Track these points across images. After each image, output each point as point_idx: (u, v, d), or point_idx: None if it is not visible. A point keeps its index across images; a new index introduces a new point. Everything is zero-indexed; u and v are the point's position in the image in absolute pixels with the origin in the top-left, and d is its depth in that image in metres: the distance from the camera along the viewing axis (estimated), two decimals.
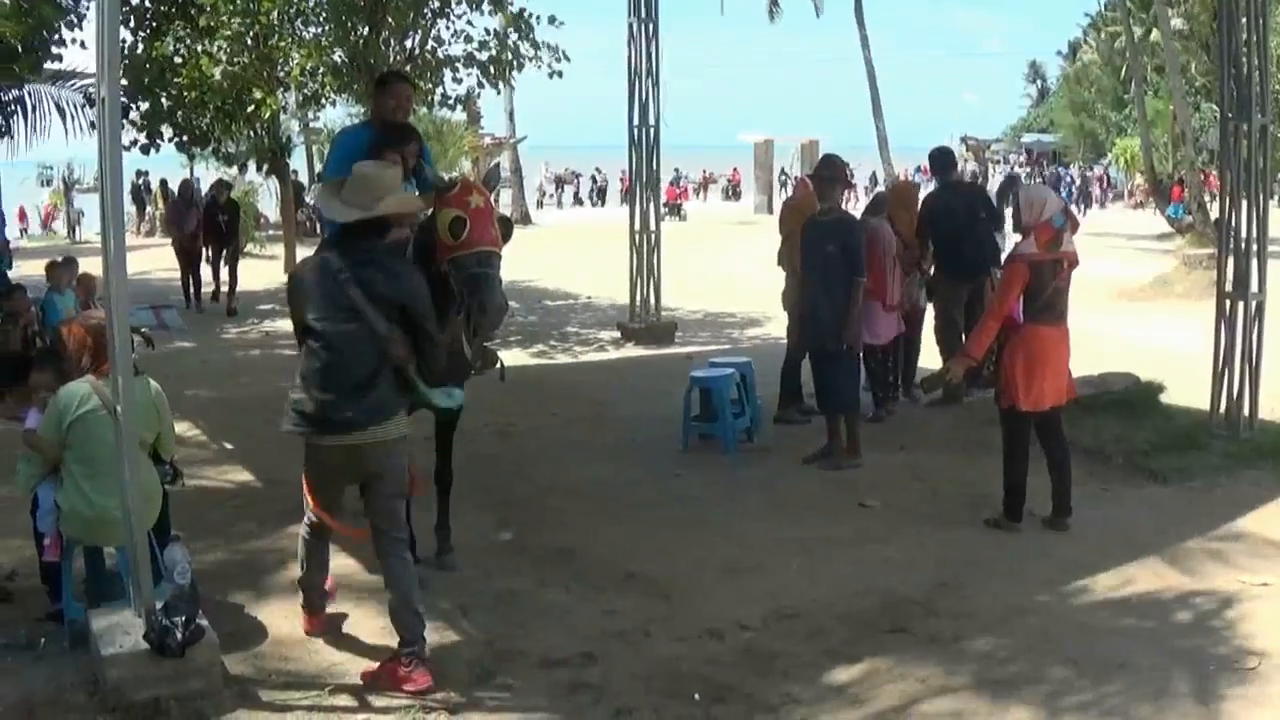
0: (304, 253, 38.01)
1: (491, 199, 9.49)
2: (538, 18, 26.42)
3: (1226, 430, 14.20)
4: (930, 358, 16.94)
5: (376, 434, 8.41)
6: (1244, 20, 14.43)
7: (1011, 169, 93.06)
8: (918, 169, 68.89)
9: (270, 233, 45.44)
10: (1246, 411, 14.31)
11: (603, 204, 78.18)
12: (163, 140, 28.17)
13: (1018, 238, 11.47)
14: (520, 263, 33.94)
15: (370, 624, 9.27)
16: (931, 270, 16.65)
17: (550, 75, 26.95)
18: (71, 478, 8.79)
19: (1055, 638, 8.98)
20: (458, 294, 9.08)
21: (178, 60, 26.84)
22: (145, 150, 27.91)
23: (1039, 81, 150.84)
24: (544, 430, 15.85)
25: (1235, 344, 14.34)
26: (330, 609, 9.45)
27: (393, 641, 8.46)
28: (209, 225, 30.19)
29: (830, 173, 14.29)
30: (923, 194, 18.50)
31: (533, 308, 29.16)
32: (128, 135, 26.21)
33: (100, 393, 8.64)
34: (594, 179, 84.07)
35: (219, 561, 10.70)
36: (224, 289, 30.17)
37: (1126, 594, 9.90)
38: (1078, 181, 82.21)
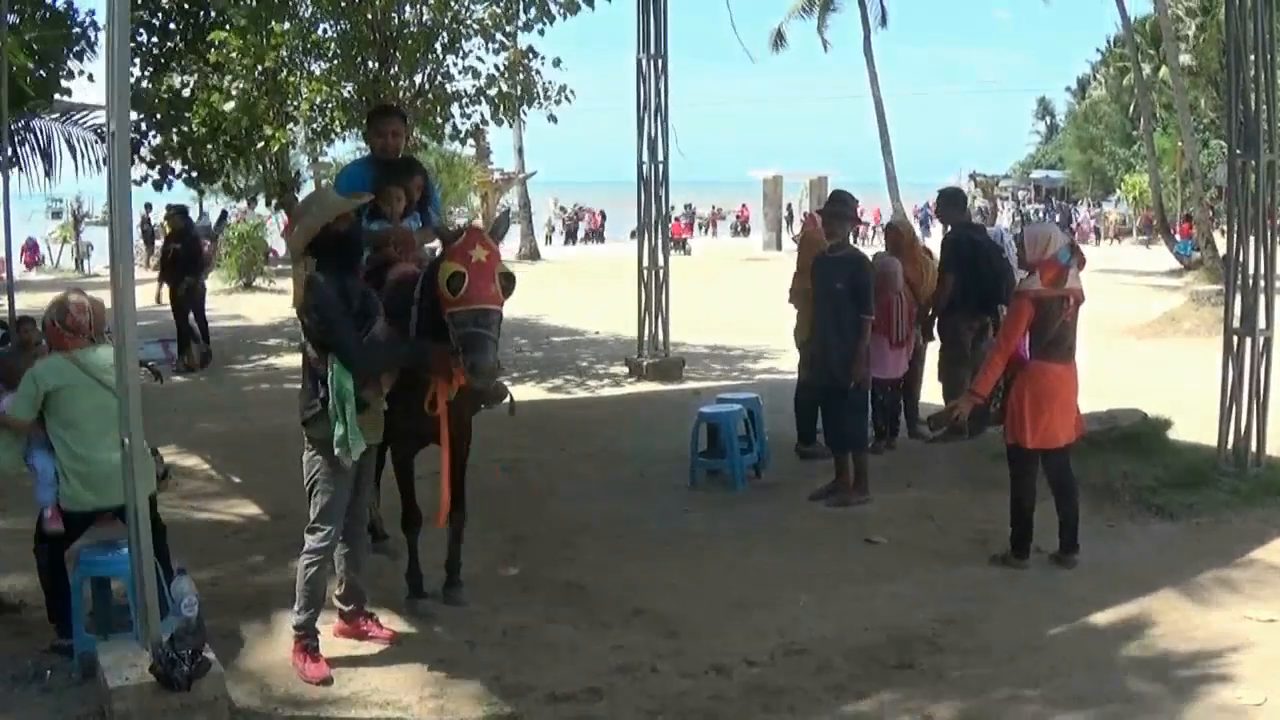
0: None
1: (498, 249, 9.43)
2: (542, 59, 26.54)
3: (1234, 467, 14.16)
4: (933, 394, 16.94)
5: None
6: (1252, 57, 14.45)
7: (1022, 205, 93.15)
8: (925, 206, 68.82)
9: (279, 267, 45.45)
10: (1254, 448, 14.28)
11: (601, 242, 78.12)
12: (174, 176, 28.28)
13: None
14: (528, 298, 34.02)
15: (384, 654, 9.29)
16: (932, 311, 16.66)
17: (549, 119, 27.10)
18: (60, 442, 9.18)
19: (1063, 674, 8.98)
20: (455, 348, 9.12)
21: (187, 95, 26.90)
22: (157, 186, 28.01)
23: (1048, 118, 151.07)
24: (552, 465, 15.84)
25: (1243, 380, 14.32)
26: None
27: (409, 673, 8.57)
28: (162, 259, 28.35)
29: (839, 208, 14.31)
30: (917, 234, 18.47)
31: (540, 343, 29.17)
32: (138, 171, 26.34)
33: (76, 362, 9.28)
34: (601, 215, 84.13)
35: (226, 594, 10.68)
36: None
37: (1134, 630, 9.89)
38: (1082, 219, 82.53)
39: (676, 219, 76.79)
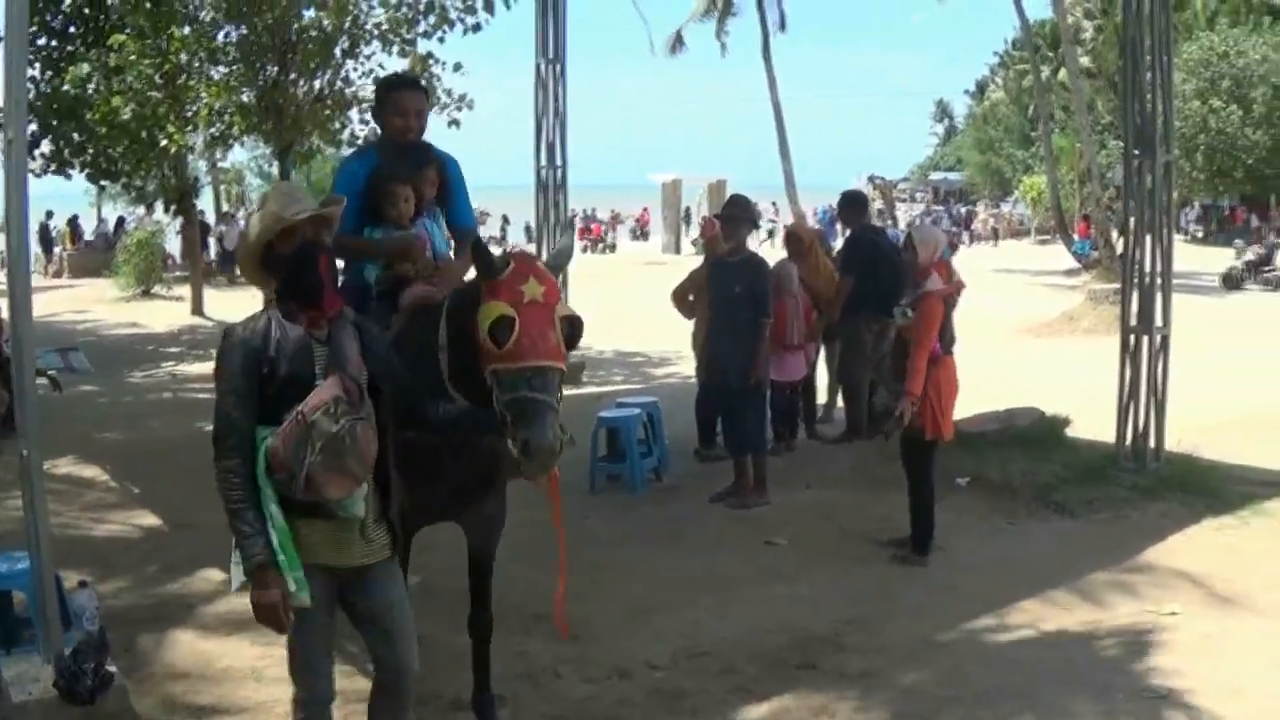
0: (211, 294, 38.26)
1: (558, 285, 7.01)
2: (443, 64, 26.56)
3: (1133, 463, 14.29)
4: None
5: None
6: (1149, 59, 14.58)
7: (926, 209, 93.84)
8: (825, 209, 69.14)
9: (177, 274, 45.15)
10: (1153, 444, 14.41)
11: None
12: (74, 170, 28.20)
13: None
14: None
15: (285, 667, 9.22)
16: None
17: (450, 124, 27.06)
18: None
19: (965, 671, 9.01)
20: (500, 417, 6.70)
21: (89, 93, 26.79)
22: (58, 172, 27.98)
23: (946, 120, 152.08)
24: None
25: (1140, 378, 14.45)
26: None
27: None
28: None
29: (736, 212, 14.35)
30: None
31: None
32: (35, 165, 26.39)
33: None
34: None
35: (127, 606, 10.54)
36: None
37: (1036, 626, 9.96)
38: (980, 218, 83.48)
39: (598, 222, 76.95)
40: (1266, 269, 44.65)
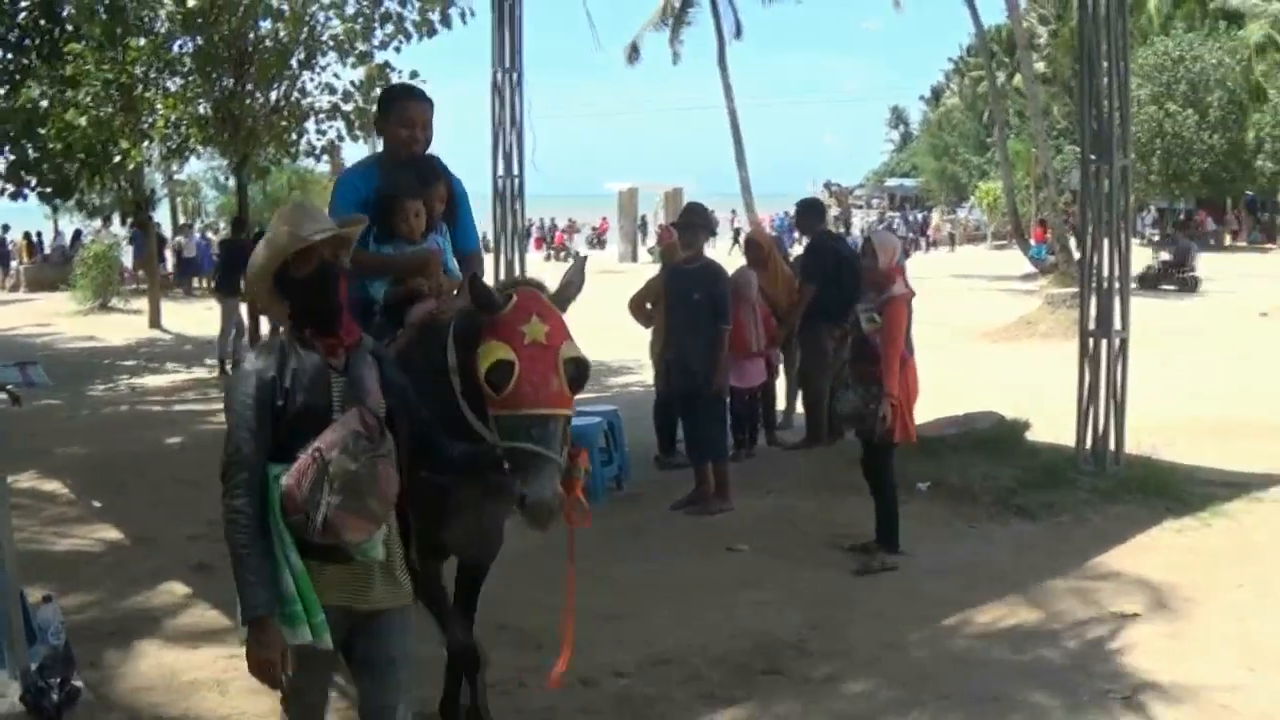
0: (168, 306, 38.13)
1: (564, 320, 6.65)
2: (399, 72, 26.60)
3: (1093, 466, 14.33)
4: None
5: None
6: (1105, 64, 14.65)
7: (882, 214, 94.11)
8: (782, 216, 69.29)
9: (134, 287, 44.99)
10: (1112, 447, 14.46)
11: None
12: (30, 189, 28.08)
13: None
14: None
15: (250, 679, 9.18)
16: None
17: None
18: None
19: (930, 674, 9.03)
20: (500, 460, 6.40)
21: (43, 107, 26.71)
22: (14, 197, 27.83)
23: (902, 126, 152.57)
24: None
25: (1100, 381, 14.50)
26: None
27: (274, 696, 8.45)
28: None
29: (692, 220, 14.39)
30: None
31: None
32: None
33: None
34: None
35: (92, 620, 10.47)
36: None
37: (999, 629, 9.98)
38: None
39: (560, 230, 77.08)
40: (1181, 270, 44.97)
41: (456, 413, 6.62)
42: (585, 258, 8.29)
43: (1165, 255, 46.80)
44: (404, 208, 8.08)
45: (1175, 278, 44.82)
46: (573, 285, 6.97)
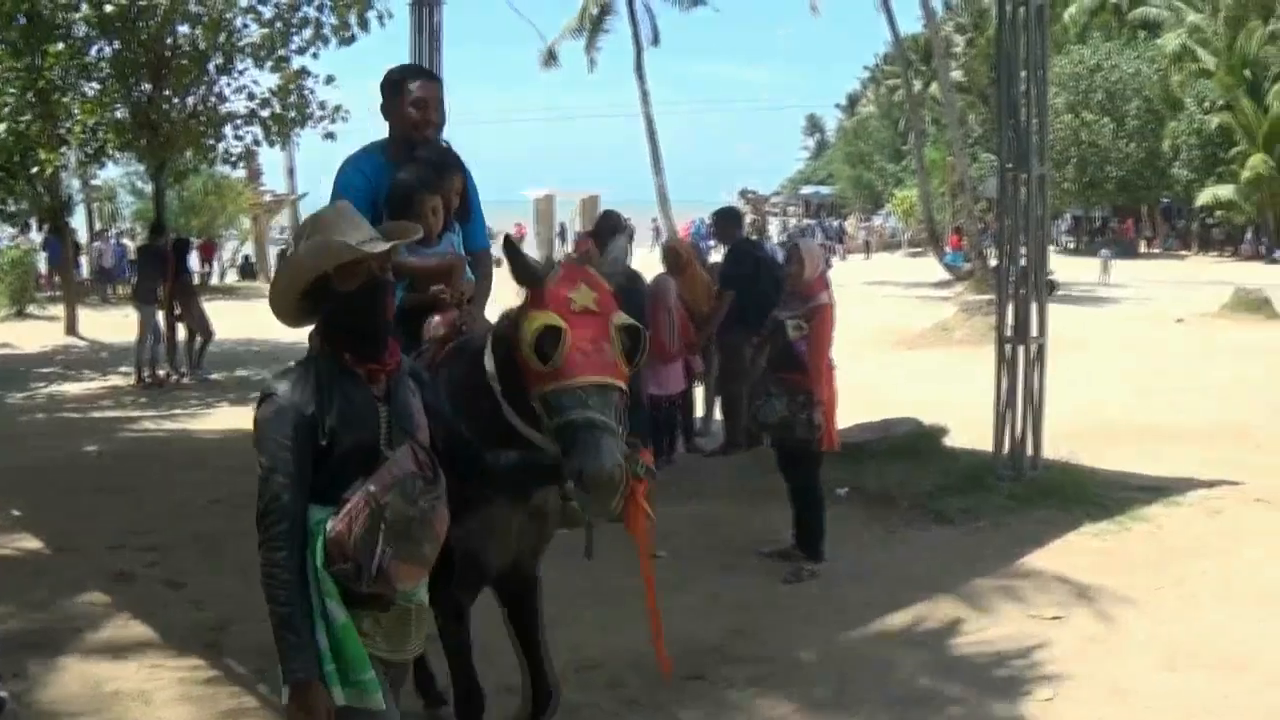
0: (85, 313, 37.85)
1: (611, 292, 6.11)
2: (316, 77, 26.60)
3: (1011, 471, 14.42)
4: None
5: None
6: (1023, 73, 14.76)
7: (800, 222, 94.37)
8: (700, 223, 69.44)
9: (50, 293, 44.67)
10: (1030, 452, 14.57)
11: None
12: None
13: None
14: None
15: (174, 689, 9.16)
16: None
17: (325, 137, 27.08)
18: None
19: (853, 678, 9.07)
20: (550, 450, 5.79)
21: None
22: None
23: (818, 134, 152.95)
24: None
25: (1017, 387, 14.61)
26: None
27: (206, 709, 8.43)
28: None
29: (607, 227, 14.44)
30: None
31: None
32: None
33: None
34: None
35: (14, 631, 10.40)
36: None
37: (920, 632, 10.05)
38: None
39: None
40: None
41: (500, 430, 6.02)
42: (624, 236, 7.74)
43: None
44: (422, 204, 7.37)
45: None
46: (619, 260, 6.69)
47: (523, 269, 5.90)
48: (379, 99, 8.00)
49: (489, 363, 6.14)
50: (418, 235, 5.72)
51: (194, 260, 54.83)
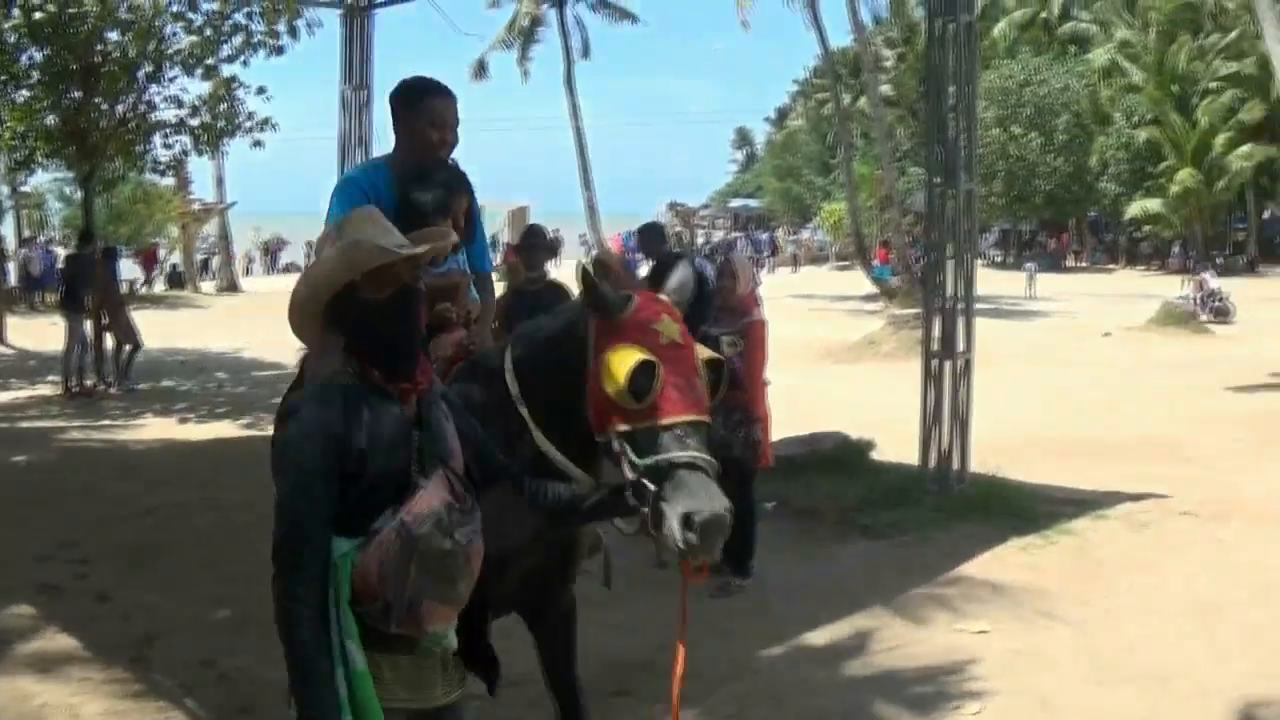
0: (14, 322, 37.59)
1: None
2: (247, 87, 26.59)
3: (938, 485, 14.47)
4: None
5: None
6: (952, 88, 14.81)
7: (728, 235, 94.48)
8: (629, 235, 69.56)
9: None
10: (957, 466, 14.63)
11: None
12: None
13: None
14: (230, 332, 33.57)
15: (102, 703, 9.09)
16: None
17: (253, 145, 27.06)
18: None
19: (780, 693, 9.06)
20: (633, 488, 5.19)
21: None
22: None
23: (747, 147, 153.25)
24: (257, 503, 15.54)
25: (943, 401, 14.66)
26: None
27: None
28: None
29: (534, 241, 14.43)
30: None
31: (242, 378, 28.75)
32: None
33: None
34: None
35: None
36: None
37: (848, 646, 10.05)
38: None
39: None
40: None
41: (521, 455, 5.60)
42: (694, 259, 7.09)
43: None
44: (437, 224, 6.54)
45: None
46: (685, 287, 5.82)
47: (601, 298, 5.38)
48: (390, 109, 7.37)
49: (513, 385, 5.74)
50: (452, 242, 5.52)
51: (136, 267, 54.59)
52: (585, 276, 5.45)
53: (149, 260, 57.06)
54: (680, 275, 5.88)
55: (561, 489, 5.40)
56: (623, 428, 5.17)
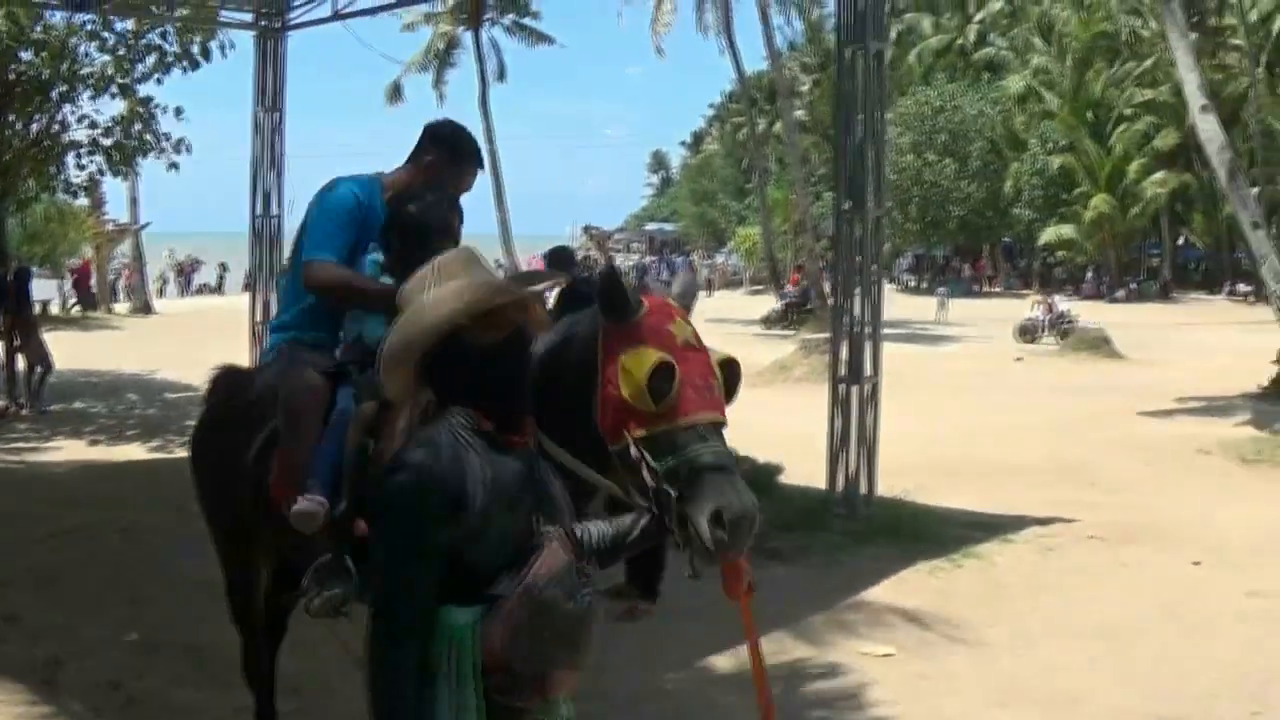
0: None
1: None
2: (163, 108, 26.50)
3: (845, 509, 14.55)
4: None
5: None
6: (860, 116, 14.91)
7: (641, 259, 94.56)
8: (544, 256, 69.57)
9: None
10: (864, 490, 14.71)
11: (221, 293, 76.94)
12: None
13: None
14: (143, 354, 33.32)
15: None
16: None
17: (169, 167, 26.94)
18: None
19: (687, 715, 9.10)
20: (656, 498, 4.91)
21: None
22: None
23: (662, 171, 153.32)
24: (167, 526, 15.45)
25: (851, 426, 14.72)
26: None
27: None
28: None
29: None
30: None
31: (153, 400, 28.55)
32: None
33: None
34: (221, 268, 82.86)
35: None
36: None
37: (750, 671, 10.06)
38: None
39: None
40: (801, 309, 47.70)
41: None
42: (692, 262, 6.60)
43: (789, 298, 49.24)
44: (442, 247, 5.85)
45: (792, 320, 48.69)
46: (689, 294, 5.67)
47: (618, 299, 5.12)
48: (426, 142, 6.93)
49: None
50: (558, 285, 5.33)
51: (68, 287, 54.03)
52: (608, 278, 5.24)
53: (83, 277, 56.42)
54: (684, 280, 5.78)
55: (602, 527, 4.89)
56: (640, 433, 4.93)
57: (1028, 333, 45.93)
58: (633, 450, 4.90)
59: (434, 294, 4.36)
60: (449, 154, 7.18)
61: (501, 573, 4.14)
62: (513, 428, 4.34)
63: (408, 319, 4.39)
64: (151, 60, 26.39)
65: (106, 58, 26.38)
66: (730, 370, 5.31)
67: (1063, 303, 49.58)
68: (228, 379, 7.59)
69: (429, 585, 4.06)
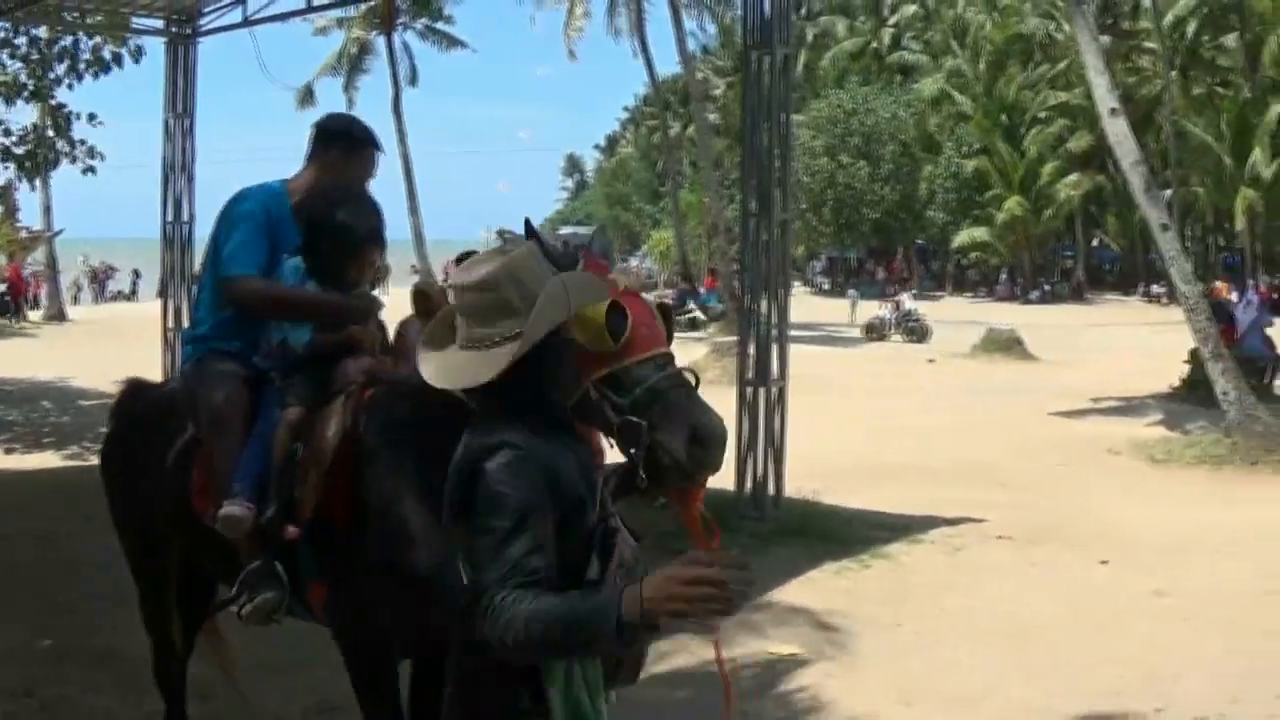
0: None
1: None
2: (77, 115, 26.37)
3: (754, 511, 14.61)
4: None
5: None
6: (766, 124, 14.98)
7: None
8: (455, 260, 69.52)
9: None
10: (772, 492, 14.76)
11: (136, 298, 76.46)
12: None
13: None
14: (57, 361, 33.12)
15: None
16: None
17: (84, 172, 26.81)
18: None
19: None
20: (620, 430, 4.91)
21: None
22: None
23: (577, 174, 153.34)
24: (81, 535, 15.37)
25: (758, 428, 14.78)
26: None
27: None
28: None
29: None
30: None
31: (67, 407, 28.37)
32: None
33: None
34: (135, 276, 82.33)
35: None
36: None
37: (661, 670, 10.01)
38: None
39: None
40: (680, 313, 49.04)
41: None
42: (604, 225, 6.61)
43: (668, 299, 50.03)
44: (367, 255, 6.76)
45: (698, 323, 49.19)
46: (607, 253, 5.40)
47: (552, 254, 4.78)
48: (316, 141, 7.15)
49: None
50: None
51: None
52: (530, 228, 5.07)
53: (16, 283, 55.77)
54: (601, 242, 5.51)
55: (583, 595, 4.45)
56: (607, 370, 4.84)
57: (874, 330, 47.64)
58: (592, 393, 4.83)
59: (553, 287, 4.29)
60: (346, 144, 7.15)
61: (581, 561, 4.21)
62: (564, 421, 4.42)
63: (547, 303, 4.25)
64: (63, 66, 26.29)
65: (18, 65, 26.24)
66: (665, 313, 5.23)
67: (908, 301, 51.05)
68: (135, 393, 7.62)
69: (549, 560, 4.00)
